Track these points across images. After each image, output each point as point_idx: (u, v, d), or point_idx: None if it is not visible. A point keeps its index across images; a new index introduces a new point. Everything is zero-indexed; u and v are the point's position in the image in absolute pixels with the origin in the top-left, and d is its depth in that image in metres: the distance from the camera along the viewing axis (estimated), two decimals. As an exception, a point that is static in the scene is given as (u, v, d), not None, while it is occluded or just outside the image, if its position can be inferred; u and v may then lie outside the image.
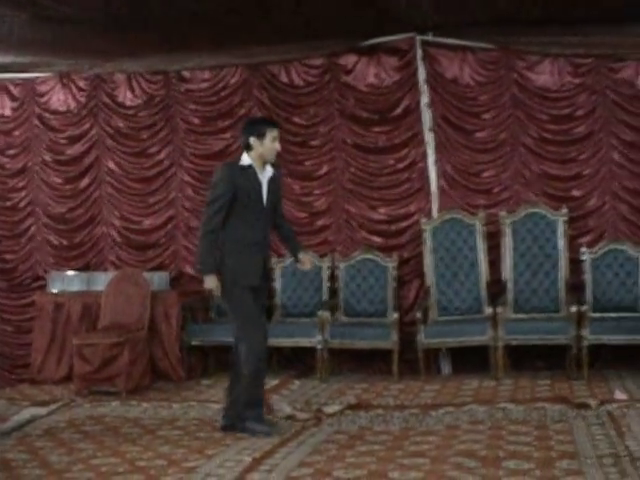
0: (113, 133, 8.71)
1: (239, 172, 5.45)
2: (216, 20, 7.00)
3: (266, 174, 5.55)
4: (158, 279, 8.08)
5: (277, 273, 8.09)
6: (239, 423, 5.52)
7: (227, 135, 8.41)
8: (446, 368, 7.67)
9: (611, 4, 6.75)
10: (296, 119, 8.25)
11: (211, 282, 5.44)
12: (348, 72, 8.14)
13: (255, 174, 5.48)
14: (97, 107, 8.72)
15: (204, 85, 8.50)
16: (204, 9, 6.64)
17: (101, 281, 8.14)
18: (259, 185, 5.49)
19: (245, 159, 5.50)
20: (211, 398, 6.89)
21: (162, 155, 8.59)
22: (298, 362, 7.98)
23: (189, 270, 8.43)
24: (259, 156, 5.49)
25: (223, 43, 7.88)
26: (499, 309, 7.09)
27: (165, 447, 5.32)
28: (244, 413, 5.49)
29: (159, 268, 8.45)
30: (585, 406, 5.84)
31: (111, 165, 8.68)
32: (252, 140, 5.47)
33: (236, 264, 5.42)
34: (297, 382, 7.37)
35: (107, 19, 6.78)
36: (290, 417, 5.95)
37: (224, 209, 5.40)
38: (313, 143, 8.25)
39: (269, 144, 5.47)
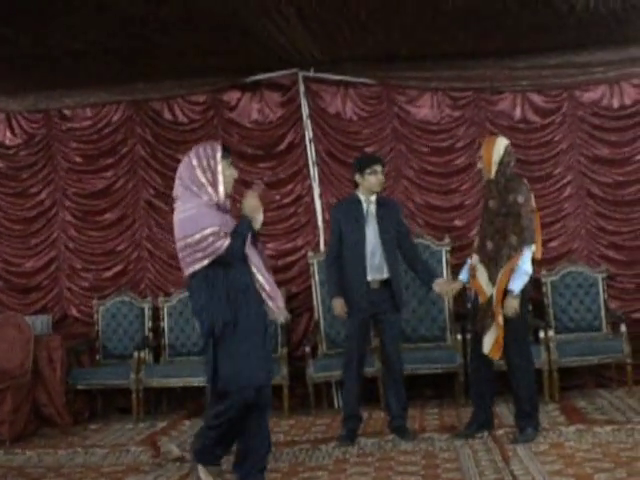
0: (-8, 174, 8.48)
1: None
2: (97, 57, 6.92)
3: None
4: (40, 323, 7.82)
5: (164, 312, 7.99)
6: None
7: (109, 173, 8.30)
8: (339, 401, 7.66)
9: (486, 38, 6.99)
10: (180, 156, 8.02)
11: None
12: (232, 108, 8.15)
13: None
14: (-25, 147, 8.48)
15: (86, 123, 8.36)
16: (84, 46, 6.57)
17: (-19, 326, 7.83)
18: None
19: None
20: (97, 443, 6.68)
21: (43, 195, 8.40)
22: (190, 402, 7.83)
23: (73, 312, 8.25)
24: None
25: (104, 80, 7.81)
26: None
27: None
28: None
29: (42, 311, 8.20)
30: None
31: (-10, 206, 8.44)
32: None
33: None
34: (187, 422, 7.22)
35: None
36: (179, 459, 5.83)
37: None
38: (198, 180, 8.17)
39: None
